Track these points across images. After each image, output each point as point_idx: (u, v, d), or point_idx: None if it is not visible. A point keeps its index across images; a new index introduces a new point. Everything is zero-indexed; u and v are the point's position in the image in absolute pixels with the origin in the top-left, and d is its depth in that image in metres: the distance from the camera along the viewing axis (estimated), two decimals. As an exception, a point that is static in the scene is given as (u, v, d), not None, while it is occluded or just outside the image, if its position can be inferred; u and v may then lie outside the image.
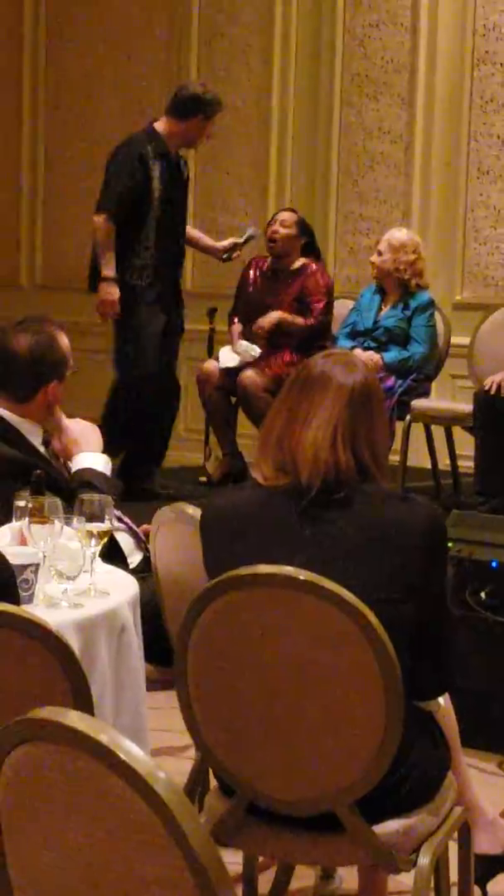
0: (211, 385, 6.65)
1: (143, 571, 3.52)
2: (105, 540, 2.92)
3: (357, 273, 7.52)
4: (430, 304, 6.38)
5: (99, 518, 2.89)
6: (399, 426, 6.15)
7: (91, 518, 2.88)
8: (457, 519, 4.39)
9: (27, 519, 2.86)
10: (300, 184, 7.88)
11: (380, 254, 6.37)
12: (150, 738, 3.04)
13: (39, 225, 8.99)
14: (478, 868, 2.88)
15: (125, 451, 6.36)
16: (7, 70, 8.94)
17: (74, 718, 1.51)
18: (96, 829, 1.51)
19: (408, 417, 6.21)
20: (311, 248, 6.70)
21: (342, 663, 2.36)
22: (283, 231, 6.60)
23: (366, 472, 2.50)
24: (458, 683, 2.76)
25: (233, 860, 2.84)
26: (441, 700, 2.69)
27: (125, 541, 3.65)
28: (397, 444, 6.07)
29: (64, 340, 3.58)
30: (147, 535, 3.50)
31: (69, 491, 3.29)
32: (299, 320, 6.55)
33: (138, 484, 6.33)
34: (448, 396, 6.95)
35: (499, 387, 5.79)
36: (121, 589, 2.95)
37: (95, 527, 2.88)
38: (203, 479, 6.81)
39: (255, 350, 6.50)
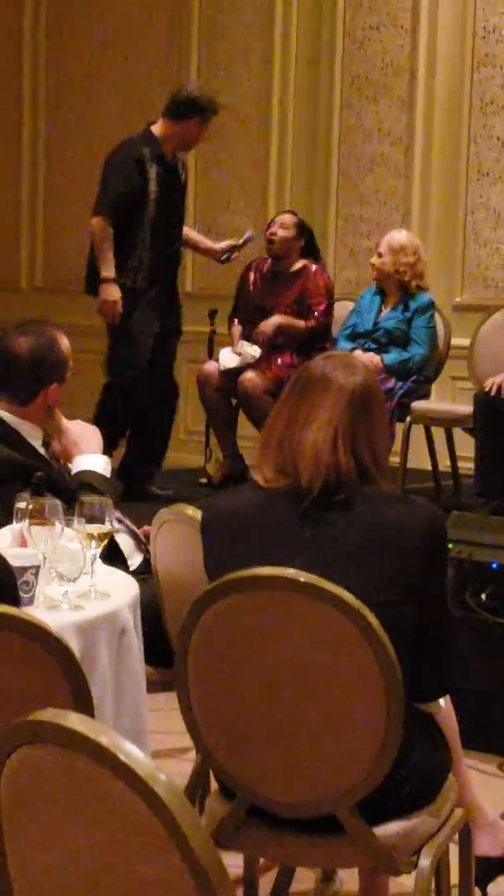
0: (211, 387, 6.64)
1: (144, 573, 3.51)
2: (105, 542, 2.93)
3: (357, 275, 7.52)
4: (431, 305, 6.37)
5: (99, 520, 2.90)
6: (399, 428, 6.15)
7: (91, 520, 2.88)
8: (457, 520, 4.39)
9: (27, 521, 2.85)
10: (300, 185, 7.88)
11: (380, 255, 6.36)
12: (151, 740, 3.04)
13: (39, 225, 9.00)
14: (478, 870, 2.88)
15: (125, 452, 6.36)
16: (7, 70, 8.95)
17: (75, 720, 1.52)
18: (97, 831, 1.51)
19: (408, 419, 6.20)
20: (310, 250, 6.69)
21: (343, 665, 2.35)
22: (281, 233, 6.60)
23: (366, 474, 2.50)
24: (459, 685, 2.76)
25: (233, 862, 2.85)
26: (441, 701, 2.68)
27: (125, 542, 3.65)
28: (397, 446, 6.07)
29: (64, 342, 3.58)
30: (147, 536, 3.50)
31: (69, 493, 3.29)
32: (299, 323, 6.54)
33: (138, 485, 6.33)
34: (448, 398, 6.95)
35: (499, 388, 5.79)
36: (121, 591, 2.94)
37: (96, 528, 2.88)
38: (203, 480, 6.81)
39: (256, 351, 6.50)
